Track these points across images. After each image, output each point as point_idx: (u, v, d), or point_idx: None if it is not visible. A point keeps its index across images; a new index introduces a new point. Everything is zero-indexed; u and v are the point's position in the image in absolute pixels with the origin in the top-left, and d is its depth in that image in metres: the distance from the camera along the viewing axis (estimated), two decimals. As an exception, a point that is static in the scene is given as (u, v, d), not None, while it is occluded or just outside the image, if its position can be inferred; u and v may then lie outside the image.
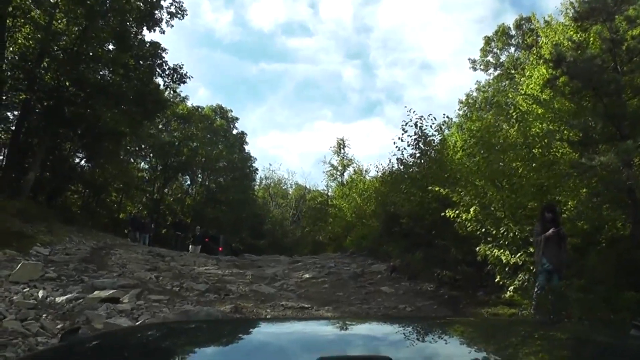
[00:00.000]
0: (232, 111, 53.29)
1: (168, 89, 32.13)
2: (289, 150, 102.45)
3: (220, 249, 32.26)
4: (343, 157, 53.82)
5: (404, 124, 18.39)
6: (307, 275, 16.09)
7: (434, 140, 18.46)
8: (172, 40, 60.25)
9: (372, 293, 13.36)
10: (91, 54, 25.68)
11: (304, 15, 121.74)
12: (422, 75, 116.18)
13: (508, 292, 11.62)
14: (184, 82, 30.88)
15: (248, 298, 11.62)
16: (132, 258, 16.20)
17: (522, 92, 17.17)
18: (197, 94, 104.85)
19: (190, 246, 28.88)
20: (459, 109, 37.79)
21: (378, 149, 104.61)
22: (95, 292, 9.95)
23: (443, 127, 19.75)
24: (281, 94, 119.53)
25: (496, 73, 39.51)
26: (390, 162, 21.82)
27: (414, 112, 18.35)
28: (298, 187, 64.46)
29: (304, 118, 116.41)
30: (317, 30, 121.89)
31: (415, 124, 18.13)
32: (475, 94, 39.21)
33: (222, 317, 8.90)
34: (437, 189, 13.94)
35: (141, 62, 28.51)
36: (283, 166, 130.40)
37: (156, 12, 28.10)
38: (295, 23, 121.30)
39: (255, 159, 55.17)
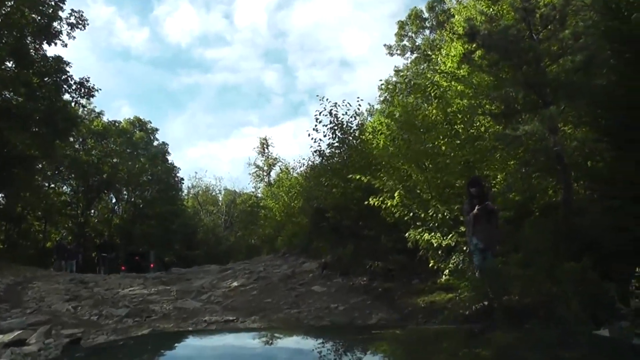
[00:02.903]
0: (151, 122, 51.96)
1: (77, 104, 30.73)
2: (220, 158, 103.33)
3: (151, 265, 31.28)
4: (268, 157, 53.47)
5: (318, 113, 17.65)
6: (235, 284, 15.37)
7: (351, 126, 17.76)
8: (89, 59, 59.13)
9: (303, 295, 12.77)
10: (-13, 75, 23.94)
11: (219, 26, 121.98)
12: (342, 72, 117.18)
13: (444, 277, 11.11)
14: (92, 96, 29.94)
15: (169, 318, 10.85)
16: (52, 289, 15.13)
17: (440, 71, 16.82)
18: (121, 112, 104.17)
19: (62, 263, 27.70)
20: (379, 96, 37.46)
21: (307, 147, 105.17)
22: None
23: (358, 112, 18.86)
24: (205, 104, 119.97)
25: (413, 57, 39.42)
26: (313, 155, 21.04)
27: (327, 99, 17.64)
28: (227, 192, 63.65)
29: (230, 125, 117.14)
30: (233, 40, 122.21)
31: (330, 112, 17.38)
32: (395, 79, 38.91)
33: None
34: (357, 177, 13.43)
35: (46, 78, 27.12)
36: (216, 174, 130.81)
37: (55, 24, 26.83)
38: (211, 34, 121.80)
39: (179, 168, 54.14)
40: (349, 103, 17.92)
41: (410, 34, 40.11)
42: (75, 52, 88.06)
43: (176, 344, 2.48)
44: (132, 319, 10.78)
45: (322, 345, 2.34)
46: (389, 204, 12.13)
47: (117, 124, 47.74)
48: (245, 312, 11.03)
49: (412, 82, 17.16)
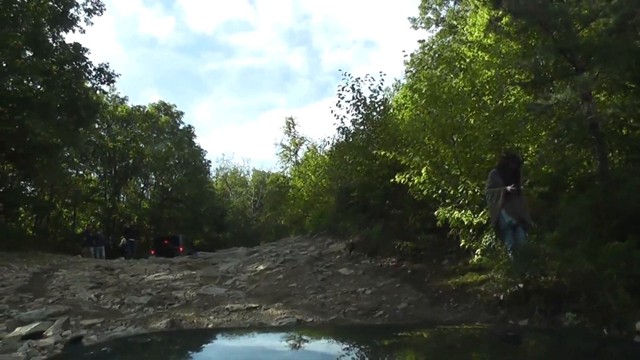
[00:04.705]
0: (175, 106, 51.55)
1: (99, 91, 30.62)
2: (249, 142, 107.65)
3: (180, 249, 31.00)
4: (294, 137, 52.87)
5: (340, 88, 16.93)
6: (261, 267, 15.02)
7: (374, 102, 17.05)
8: (117, 50, 59.65)
9: (330, 278, 12.39)
10: (4, 64, 23.60)
11: (243, 11, 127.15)
12: (367, 52, 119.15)
13: (475, 257, 10.66)
14: (113, 82, 29.93)
15: (191, 305, 10.47)
16: (77, 277, 14.76)
17: (465, 41, 16.24)
18: (151, 100, 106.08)
19: (91, 249, 27.65)
20: (405, 71, 36.70)
21: (334, 126, 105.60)
22: (17, 329, 8.44)
23: (382, 87, 17.98)
24: (233, 89, 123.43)
25: (438, 29, 38.49)
26: (338, 132, 20.39)
27: (349, 75, 16.97)
28: (256, 172, 63.63)
29: (258, 108, 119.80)
30: (258, 24, 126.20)
31: (352, 88, 16.70)
32: (419, 52, 38.10)
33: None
34: (382, 153, 12.93)
35: (66, 66, 26.95)
36: (244, 155, 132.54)
37: (71, 10, 26.73)
38: (236, 21, 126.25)
39: (206, 151, 53.90)
40: (372, 77, 17.18)
41: (434, 5, 39.14)
42: (103, 43, 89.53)
43: (180, 345, 2.44)
44: (154, 308, 10.46)
45: (346, 350, 2.22)
46: (415, 181, 11.66)
47: (142, 109, 47.49)
48: (269, 298, 10.65)
49: (437, 55, 16.45)
